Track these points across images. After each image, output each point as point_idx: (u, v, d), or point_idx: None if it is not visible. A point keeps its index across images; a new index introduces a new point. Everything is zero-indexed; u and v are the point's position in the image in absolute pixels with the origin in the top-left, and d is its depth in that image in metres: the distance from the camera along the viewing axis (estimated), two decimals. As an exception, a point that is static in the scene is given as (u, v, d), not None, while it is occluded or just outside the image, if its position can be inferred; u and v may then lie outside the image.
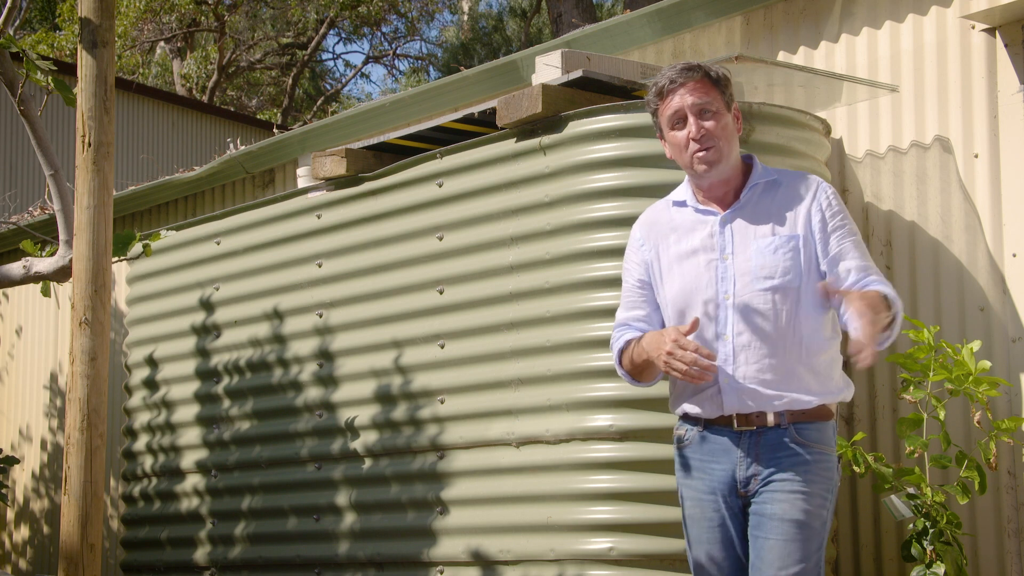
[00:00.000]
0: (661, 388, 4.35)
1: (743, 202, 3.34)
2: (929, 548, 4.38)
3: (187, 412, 5.96)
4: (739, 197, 3.35)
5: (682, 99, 3.30)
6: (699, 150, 3.29)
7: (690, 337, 3.19)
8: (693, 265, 3.34)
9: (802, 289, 3.26)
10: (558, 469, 4.52)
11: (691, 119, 3.30)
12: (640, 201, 4.47)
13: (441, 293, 4.96)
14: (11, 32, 4.64)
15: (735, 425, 3.27)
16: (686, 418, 3.40)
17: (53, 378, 9.22)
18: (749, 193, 3.35)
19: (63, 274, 4.67)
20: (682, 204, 3.43)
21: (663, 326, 3.40)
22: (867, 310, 3.05)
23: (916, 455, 4.49)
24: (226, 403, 5.78)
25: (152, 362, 6.18)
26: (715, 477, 3.31)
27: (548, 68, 4.92)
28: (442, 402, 4.92)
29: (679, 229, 3.40)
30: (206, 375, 5.89)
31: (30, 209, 11.73)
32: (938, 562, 4.35)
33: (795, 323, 3.25)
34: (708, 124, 3.29)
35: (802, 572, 3.18)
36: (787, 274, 3.25)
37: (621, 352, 3.46)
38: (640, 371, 3.41)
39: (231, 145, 9.57)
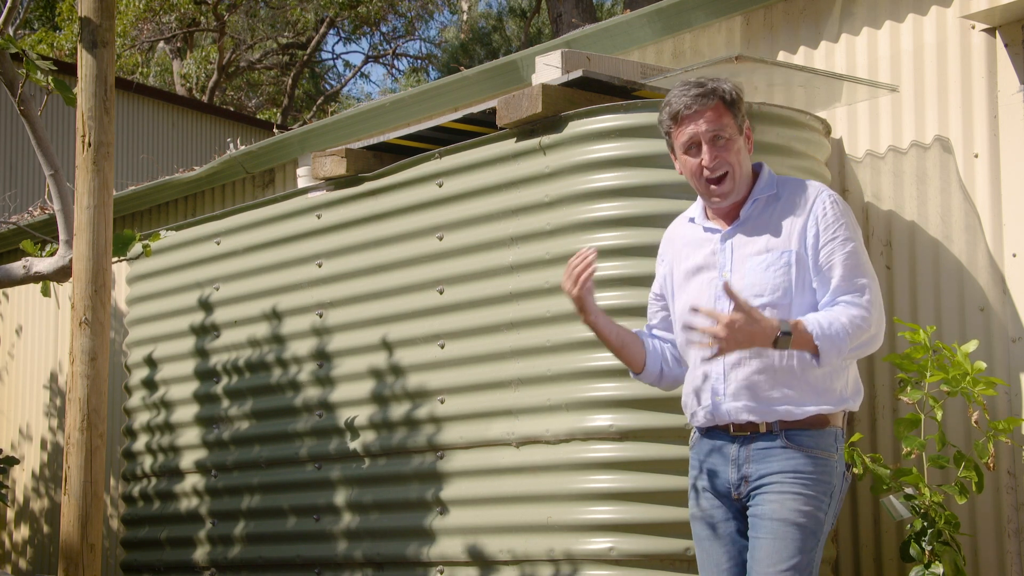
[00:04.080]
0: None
1: (743, 218, 3.34)
2: (927, 548, 4.38)
3: (187, 412, 5.96)
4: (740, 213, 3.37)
5: (696, 127, 3.29)
6: (712, 181, 3.29)
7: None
8: (698, 283, 3.37)
9: (793, 306, 3.23)
10: (558, 469, 4.53)
11: (705, 147, 3.29)
12: (640, 201, 4.48)
13: (441, 293, 4.96)
14: (11, 32, 4.64)
15: (731, 430, 3.29)
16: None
17: (53, 378, 9.22)
18: (750, 208, 3.34)
19: (63, 274, 4.67)
20: (693, 221, 3.47)
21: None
22: (743, 314, 3.09)
23: (914, 456, 4.49)
24: (226, 403, 5.78)
25: (152, 362, 6.18)
26: (715, 478, 3.34)
27: (548, 68, 4.92)
28: (442, 402, 4.93)
29: (690, 245, 3.44)
30: (206, 375, 5.89)
31: (30, 209, 11.71)
32: (936, 562, 4.35)
33: None
34: (722, 152, 3.29)
35: (793, 568, 3.16)
36: (776, 291, 3.24)
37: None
38: (625, 359, 3.49)
39: (231, 145, 9.55)
